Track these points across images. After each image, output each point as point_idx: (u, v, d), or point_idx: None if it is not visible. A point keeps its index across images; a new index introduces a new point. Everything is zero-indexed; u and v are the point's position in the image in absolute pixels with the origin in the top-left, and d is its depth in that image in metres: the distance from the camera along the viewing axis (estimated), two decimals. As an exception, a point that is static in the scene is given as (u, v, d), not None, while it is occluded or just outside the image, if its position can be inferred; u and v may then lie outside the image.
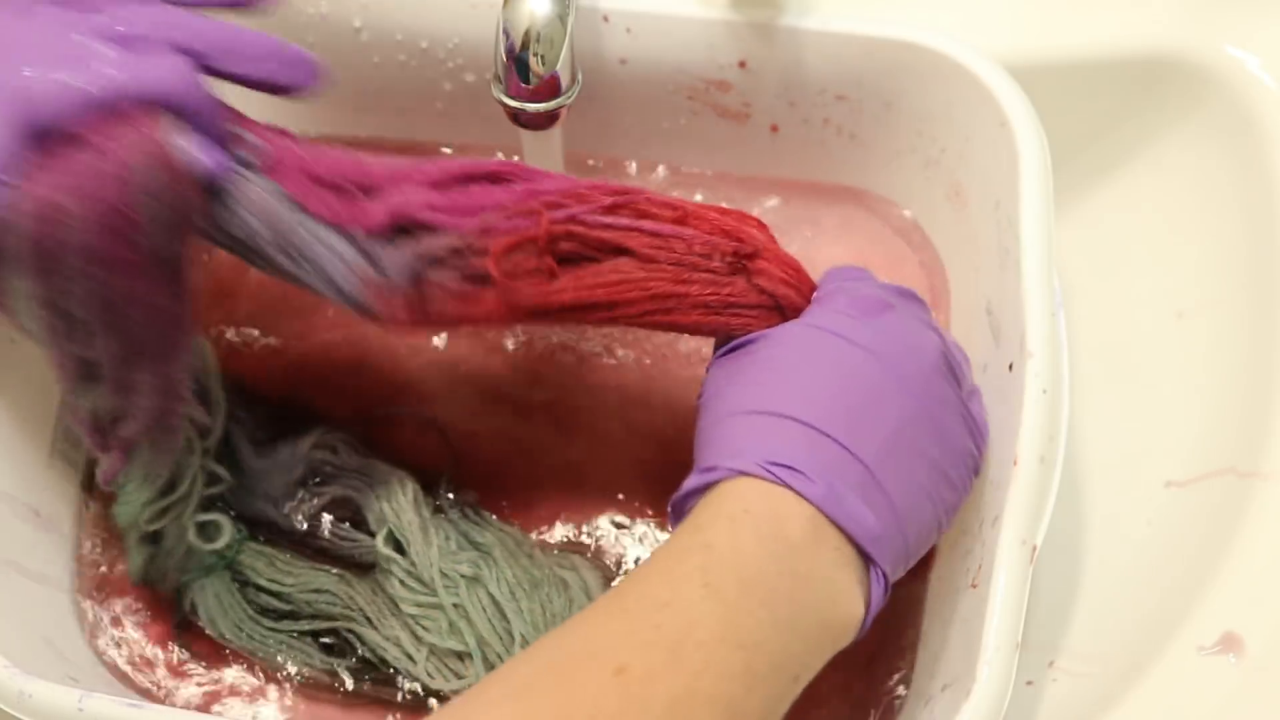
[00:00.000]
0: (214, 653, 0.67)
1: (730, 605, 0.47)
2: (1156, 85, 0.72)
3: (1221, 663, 0.60)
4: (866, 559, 0.51)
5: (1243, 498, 0.64)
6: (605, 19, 0.70)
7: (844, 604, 0.50)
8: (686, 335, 0.66)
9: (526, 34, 0.60)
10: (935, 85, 0.68)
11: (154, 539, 0.67)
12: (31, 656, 0.59)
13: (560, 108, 0.63)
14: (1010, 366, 0.60)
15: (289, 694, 0.66)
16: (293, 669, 0.65)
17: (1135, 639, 0.63)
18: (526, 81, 0.62)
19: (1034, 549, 0.57)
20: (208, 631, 0.66)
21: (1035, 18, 0.72)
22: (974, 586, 0.58)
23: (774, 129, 0.74)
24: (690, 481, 0.53)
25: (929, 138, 0.71)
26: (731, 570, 0.48)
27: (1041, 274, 0.61)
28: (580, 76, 0.64)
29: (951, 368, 0.57)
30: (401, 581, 0.66)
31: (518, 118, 0.64)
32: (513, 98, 0.62)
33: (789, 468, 0.50)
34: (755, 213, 0.75)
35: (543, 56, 0.61)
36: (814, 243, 0.75)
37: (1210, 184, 0.72)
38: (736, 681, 0.46)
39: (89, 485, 0.70)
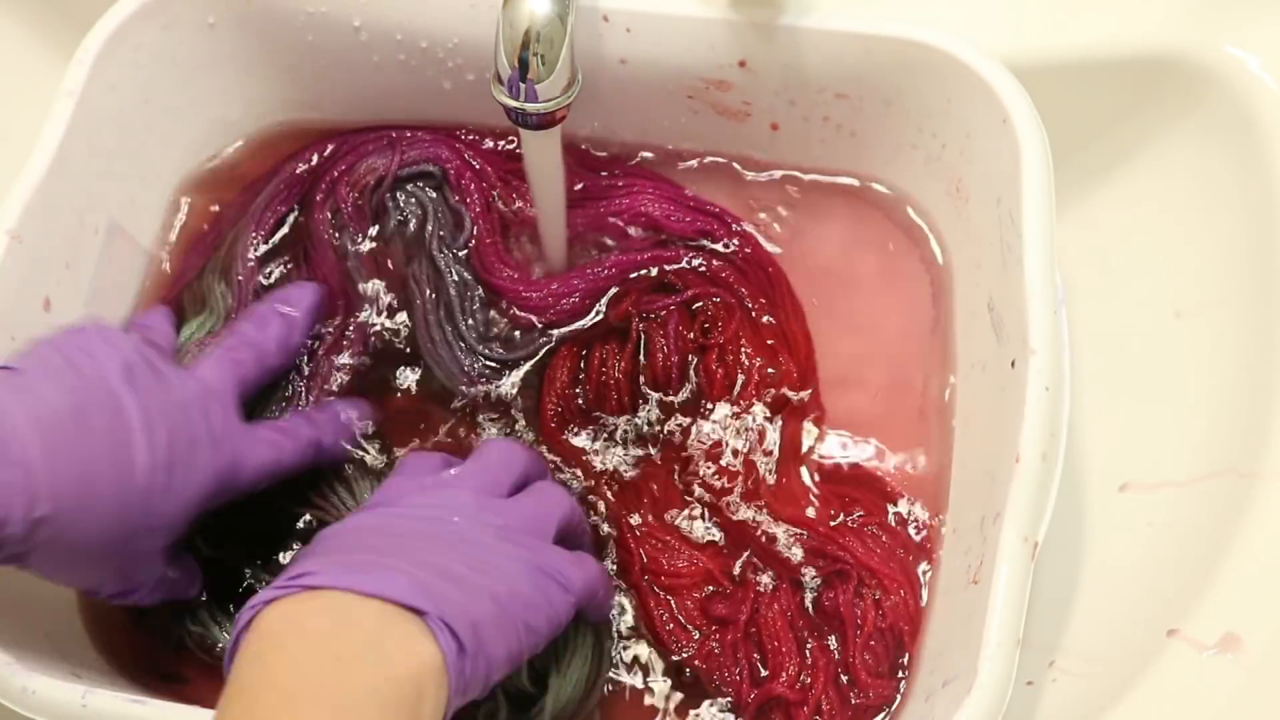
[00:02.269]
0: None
1: None
2: (1157, 85, 0.72)
3: (1221, 663, 0.60)
4: (416, 612, 0.51)
5: (1243, 498, 0.64)
6: (605, 19, 0.70)
7: (405, 654, 0.49)
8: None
9: (526, 34, 0.60)
10: (935, 82, 0.68)
11: None
12: (35, 653, 0.59)
13: (560, 108, 0.63)
14: (1013, 363, 0.60)
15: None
16: None
17: (1135, 639, 0.63)
18: (526, 81, 0.61)
19: (1035, 545, 0.57)
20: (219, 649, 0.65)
21: (1036, 17, 0.72)
22: (975, 583, 0.58)
23: (774, 127, 0.74)
24: (234, 635, 0.52)
25: (930, 134, 0.71)
26: (269, 694, 0.47)
27: (1044, 270, 0.61)
28: (580, 76, 0.64)
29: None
30: None
31: (518, 118, 0.63)
32: (513, 98, 0.62)
33: (301, 574, 0.51)
34: (756, 212, 0.75)
35: (543, 56, 0.61)
36: (815, 241, 0.75)
37: (1210, 183, 0.72)
38: None
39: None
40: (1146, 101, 0.73)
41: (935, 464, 0.69)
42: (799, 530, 0.68)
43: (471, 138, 0.78)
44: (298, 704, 0.47)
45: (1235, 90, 0.70)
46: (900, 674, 0.64)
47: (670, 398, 0.72)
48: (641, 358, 0.72)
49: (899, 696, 0.64)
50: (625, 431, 0.71)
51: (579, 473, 0.70)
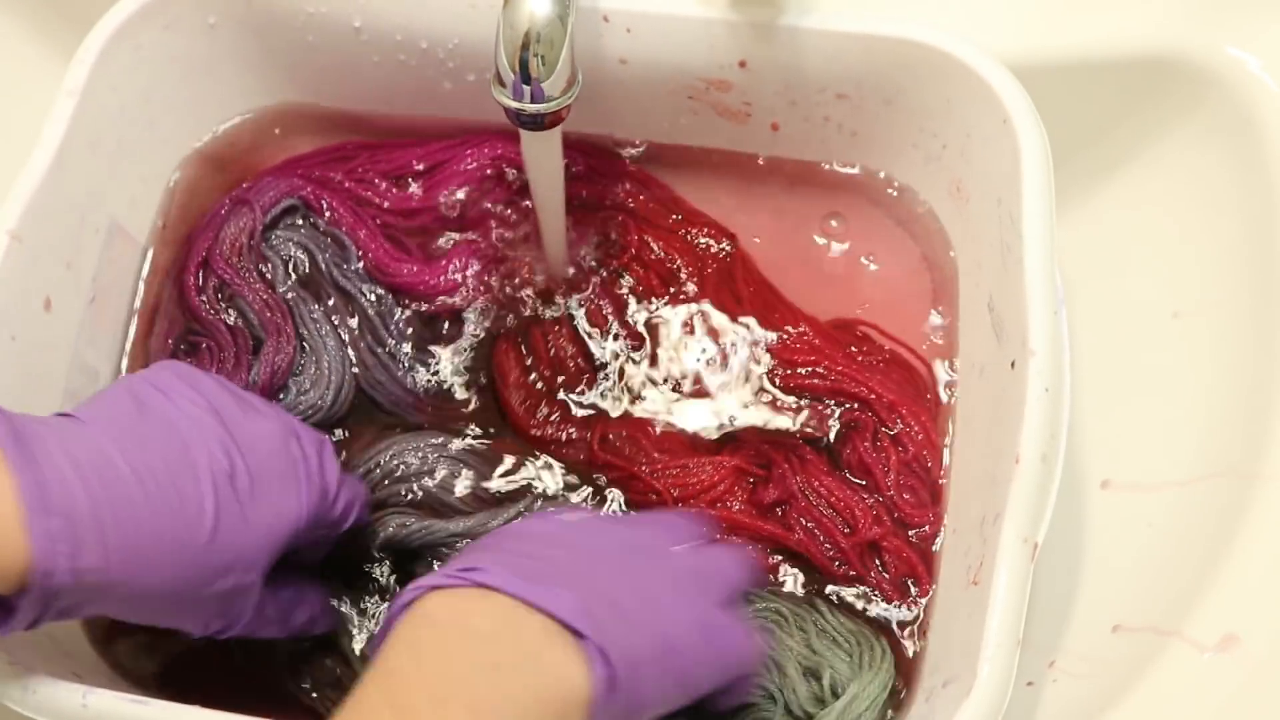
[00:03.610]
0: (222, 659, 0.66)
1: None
2: (1157, 85, 0.72)
3: (1221, 663, 0.60)
4: (577, 635, 0.50)
5: (1243, 499, 0.64)
6: (605, 19, 0.70)
7: (558, 677, 0.48)
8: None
9: (526, 34, 0.60)
10: (936, 82, 0.68)
11: None
12: (36, 653, 0.59)
13: (561, 108, 0.63)
14: (1012, 364, 0.61)
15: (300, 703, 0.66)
16: None
17: (1135, 639, 0.63)
18: (527, 82, 0.61)
19: (1035, 546, 0.57)
20: None
21: (1036, 17, 0.72)
22: (975, 584, 0.58)
23: (775, 127, 0.74)
24: (391, 611, 0.52)
25: (930, 134, 0.71)
26: (418, 687, 0.47)
27: (1044, 271, 0.61)
28: (580, 77, 0.64)
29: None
30: None
31: (518, 118, 0.63)
32: (513, 99, 0.62)
33: (473, 569, 0.51)
34: (759, 211, 0.75)
35: (543, 57, 0.61)
36: (817, 240, 0.75)
37: (1210, 184, 0.72)
38: None
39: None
40: (1147, 102, 0.73)
41: (934, 464, 0.69)
42: (818, 370, 0.70)
43: (307, 168, 0.76)
44: (445, 704, 0.46)
45: (1235, 91, 0.71)
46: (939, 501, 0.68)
47: (625, 340, 0.73)
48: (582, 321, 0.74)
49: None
50: (599, 392, 0.72)
51: (569, 454, 0.70)
